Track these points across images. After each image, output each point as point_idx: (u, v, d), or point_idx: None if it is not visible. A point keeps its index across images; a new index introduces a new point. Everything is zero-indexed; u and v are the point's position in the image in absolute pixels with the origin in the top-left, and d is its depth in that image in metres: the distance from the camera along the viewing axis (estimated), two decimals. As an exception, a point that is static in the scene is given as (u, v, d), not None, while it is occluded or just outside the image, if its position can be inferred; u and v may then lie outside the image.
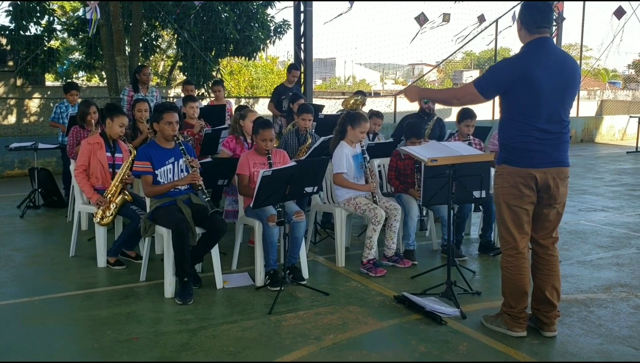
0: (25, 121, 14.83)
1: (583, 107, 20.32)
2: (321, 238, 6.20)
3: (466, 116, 5.83)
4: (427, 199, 4.53)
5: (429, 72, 28.22)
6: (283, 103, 8.82)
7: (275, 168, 4.43)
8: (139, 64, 12.04)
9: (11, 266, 5.30)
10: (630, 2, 17.04)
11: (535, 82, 3.51)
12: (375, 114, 6.86)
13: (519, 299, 3.73)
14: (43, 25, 13.82)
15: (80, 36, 15.73)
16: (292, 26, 13.13)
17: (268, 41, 15.62)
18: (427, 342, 3.71)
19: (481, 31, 15.94)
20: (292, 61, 13.39)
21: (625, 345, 3.67)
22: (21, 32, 13.14)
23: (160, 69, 22.66)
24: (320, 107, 8.74)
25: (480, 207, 5.44)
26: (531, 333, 3.78)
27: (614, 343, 3.70)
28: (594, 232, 6.60)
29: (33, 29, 13.57)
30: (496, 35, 16.33)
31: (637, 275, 5.06)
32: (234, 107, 8.74)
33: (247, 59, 16.33)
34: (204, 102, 10.54)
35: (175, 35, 15.90)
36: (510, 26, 15.42)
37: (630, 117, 18.23)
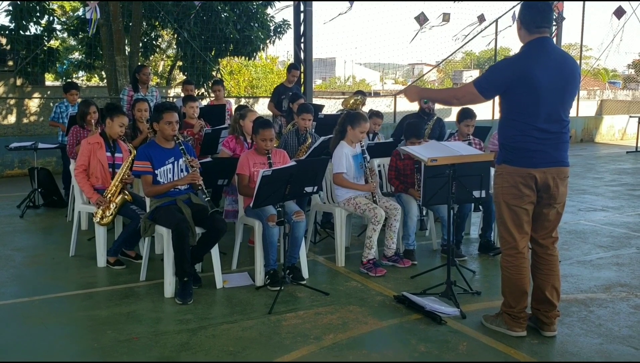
0: (25, 120, 14.83)
1: (583, 107, 20.33)
2: (321, 237, 6.20)
3: (466, 115, 5.83)
4: (427, 199, 4.53)
5: (428, 72, 28.22)
6: (283, 103, 8.82)
7: (275, 168, 4.43)
8: (139, 63, 12.04)
9: (11, 266, 5.30)
10: (630, 2, 17.05)
11: (535, 82, 3.51)
12: (375, 114, 6.86)
13: (519, 299, 3.73)
14: (43, 25, 13.83)
15: (80, 36, 15.73)
16: (292, 26, 13.14)
17: (268, 41, 15.62)
18: (427, 342, 3.71)
19: (481, 31, 15.96)
20: (292, 60, 13.39)
21: (625, 345, 3.67)
22: (21, 32, 13.15)
23: (160, 68, 22.67)
24: (320, 107, 8.74)
25: (480, 207, 5.44)
26: (531, 333, 3.78)
27: (613, 343, 3.70)
28: (593, 232, 6.61)
29: (33, 29, 13.60)
30: (496, 35, 16.34)
31: (637, 275, 5.06)
32: (233, 107, 8.74)
33: (247, 58, 16.33)
34: (204, 102, 10.54)
35: (175, 35, 15.90)
36: (510, 26, 15.43)
37: (630, 117, 18.24)
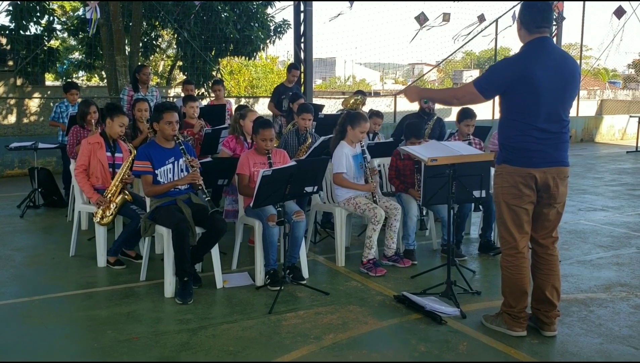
0: (25, 120, 14.82)
1: (583, 106, 20.33)
2: (321, 237, 6.20)
3: (466, 115, 5.83)
4: (427, 199, 4.53)
5: (429, 71, 28.22)
6: (283, 103, 8.82)
7: (275, 168, 4.43)
8: (139, 63, 12.04)
9: (11, 266, 5.30)
10: (630, 1, 17.04)
11: (535, 81, 3.51)
12: (375, 114, 6.86)
13: (519, 299, 3.73)
14: (43, 25, 13.82)
15: (80, 36, 15.72)
16: (292, 26, 13.14)
17: (268, 41, 15.61)
18: (427, 342, 3.71)
19: (481, 31, 15.95)
20: (292, 60, 13.38)
21: (625, 345, 3.67)
22: (21, 32, 13.15)
23: (160, 68, 22.66)
24: (320, 106, 8.75)
25: (480, 207, 5.44)
26: (531, 333, 3.78)
27: (614, 343, 3.70)
28: (593, 232, 6.61)
29: (33, 29, 13.60)
30: (496, 34, 16.34)
31: (637, 275, 5.06)
32: (234, 106, 8.75)
33: (247, 58, 16.32)
34: (204, 102, 10.54)
35: (175, 35, 15.90)
36: (511, 26, 15.43)
37: (630, 116, 18.23)
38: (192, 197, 4.82)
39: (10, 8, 12.72)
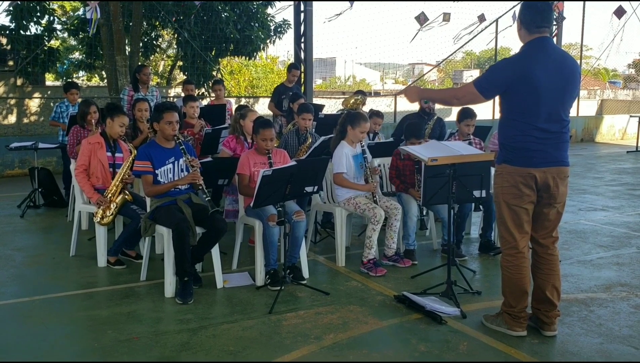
0: (25, 120, 14.83)
1: (583, 106, 20.33)
2: (321, 237, 6.20)
3: (466, 115, 5.83)
4: (427, 199, 4.52)
5: (429, 71, 28.24)
6: (283, 103, 8.82)
7: (275, 168, 4.43)
8: (139, 63, 12.03)
9: (11, 266, 5.30)
10: (630, 1, 17.04)
11: (535, 81, 3.51)
12: (375, 114, 6.86)
13: (519, 298, 3.73)
14: (43, 25, 13.83)
15: (80, 36, 15.73)
16: (292, 26, 13.14)
17: (268, 41, 15.61)
18: (427, 342, 3.72)
19: (481, 31, 15.96)
20: (292, 60, 13.39)
21: (625, 345, 3.67)
22: (21, 32, 13.15)
23: (161, 68, 22.67)
24: (321, 106, 8.75)
25: (481, 206, 5.44)
26: (531, 333, 3.78)
27: (614, 343, 3.70)
28: (594, 232, 6.61)
29: (33, 29, 13.60)
30: (496, 34, 16.35)
31: (637, 275, 5.06)
32: (234, 106, 8.75)
33: (247, 58, 16.32)
34: (204, 102, 10.54)
35: (175, 35, 15.90)
36: (511, 26, 15.43)
37: (631, 116, 18.23)
38: (192, 197, 4.82)
39: (11, 8, 12.73)
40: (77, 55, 20.73)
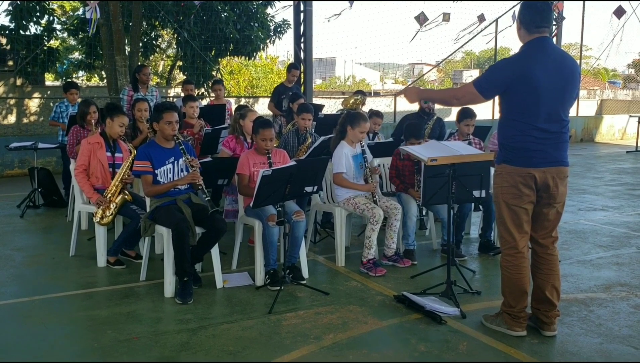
0: (25, 120, 14.83)
1: (583, 106, 20.33)
2: (321, 237, 6.20)
3: (466, 115, 5.83)
4: (427, 199, 4.52)
5: (428, 71, 28.22)
6: (283, 103, 8.82)
7: (275, 168, 4.43)
8: (139, 63, 12.04)
9: (11, 266, 5.30)
10: (630, 1, 17.04)
11: (535, 81, 3.51)
12: (375, 114, 6.86)
13: (519, 298, 3.73)
14: (43, 25, 13.83)
15: (80, 36, 15.73)
16: (292, 26, 13.14)
17: (268, 41, 15.62)
18: (427, 342, 3.72)
19: (481, 30, 15.96)
20: (292, 60, 13.39)
21: (625, 345, 3.67)
22: (21, 32, 13.16)
23: (160, 68, 22.67)
24: (320, 106, 8.75)
25: (480, 206, 5.44)
26: (531, 333, 3.78)
27: (613, 343, 3.70)
28: (593, 231, 6.61)
29: (33, 29, 13.61)
30: (496, 34, 16.34)
31: (637, 275, 5.06)
32: (233, 106, 8.75)
33: (247, 58, 16.33)
34: (204, 102, 10.54)
35: (175, 35, 15.90)
36: (510, 26, 15.43)
37: (630, 116, 18.24)
38: (192, 197, 4.82)
39: (10, 8, 12.73)
40: (76, 55, 20.74)
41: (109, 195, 5.17)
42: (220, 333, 3.83)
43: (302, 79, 12.24)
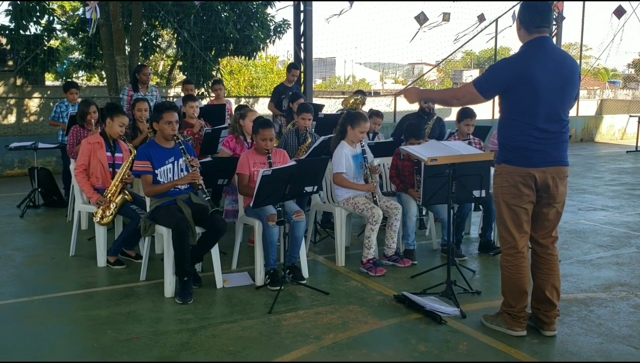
0: (25, 120, 14.83)
1: (583, 106, 20.33)
2: (321, 237, 6.20)
3: (466, 115, 5.83)
4: (427, 199, 4.52)
5: (428, 71, 28.21)
6: (283, 103, 8.82)
7: (275, 168, 4.43)
8: (139, 63, 12.04)
9: (11, 266, 5.30)
10: (630, 1, 17.04)
11: (535, 81, 3.51)
12: (375, 114, 6.86)
13: (519, 298, 3.73)
14: (43, 25, 13.84)
15: (80, 36, 15.74)
16: (292, 26, 13.13)
17: (268, 41, 15.62)
18: (427, 341, 3.72)
19: (481, 30, 15.96)
20: (292, 60, 13.38)
21: (625, 345, 3.67)
22: (21, 32, 13.16)
23: (160, 68, 22.68)
24: (320, 106, 8.75)
25: (480, 206, 5.44)
26: (531, 333, 3.78)
27: (613, 343, 3.70)
28: (593, 231, 6.61)
29: (33, 29, 13.61)
30: (496, 34, 16.34)
31: (637, 275, 5.06)
32: (233, 106, 8.75)
33: (247, 58, 16.33)
34: (204, 102, 10.54)
35: (175, 35, 15.91)
36: (510, 26, 15.42)
37: (630, 116, 18.24)
38: (192, 197, 4.82)
39: (10, 8, 12.73)
40: (76, 55, 20.75)
41: (109, 195, 5.17)
42: (220, 333, 3.83)
43: (302, 79, 12.24)
